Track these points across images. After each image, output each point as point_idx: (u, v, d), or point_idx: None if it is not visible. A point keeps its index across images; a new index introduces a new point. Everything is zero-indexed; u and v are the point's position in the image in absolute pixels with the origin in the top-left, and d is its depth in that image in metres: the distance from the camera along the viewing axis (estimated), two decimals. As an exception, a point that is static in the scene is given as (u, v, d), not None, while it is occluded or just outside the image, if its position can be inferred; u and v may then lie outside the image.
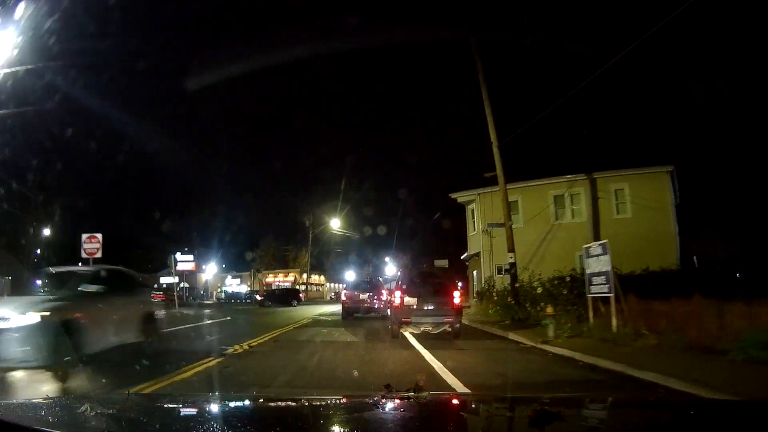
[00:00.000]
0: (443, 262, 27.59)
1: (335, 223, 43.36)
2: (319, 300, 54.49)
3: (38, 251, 31.85)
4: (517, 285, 14.77)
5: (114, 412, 2.03)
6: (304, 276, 54.41)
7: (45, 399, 2.77)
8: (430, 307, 11.73)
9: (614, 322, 10.66)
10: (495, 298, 15.49)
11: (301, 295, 40.98)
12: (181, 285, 50.14)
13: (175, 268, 21.10)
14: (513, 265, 15.18)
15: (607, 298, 10.97)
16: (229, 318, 19.33)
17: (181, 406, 2.50)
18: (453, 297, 11.87)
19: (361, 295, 20.12)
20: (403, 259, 43.36)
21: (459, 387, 6.06)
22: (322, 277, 66.58)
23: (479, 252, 24.24)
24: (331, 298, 59.13)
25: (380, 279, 27.02)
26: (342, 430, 2.06)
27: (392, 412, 2.17)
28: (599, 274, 11.12)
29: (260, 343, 10.41)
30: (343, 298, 20.74)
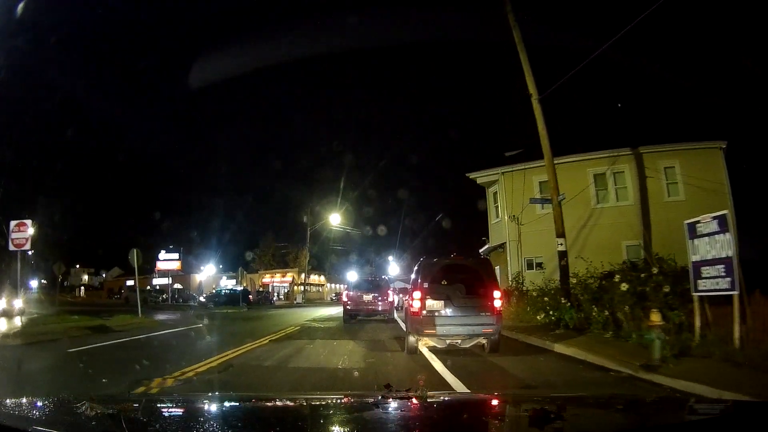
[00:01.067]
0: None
1: (335, 219, 39.94)
2: (318, 301, 51.28)
3: (30, 252, 30.35)
4: (574, 281, 10.96)
5: (114, 412, 1.95)
6: (303, 276, 50.83)
7: (44, 398, 2.41)
8: (461, 313, 8.18)
9: (736, 332, 7.18)
10: (545, 299, 11.63)
11: (250, 296, 37.31)
12: (174, 286, 47.06)
13: (137, 264, 17.37)
14: (564, 254, 11.42)
15: (723, 297, 7.44)
16: (199, 325, 15.66)
17: (181, 406, 2.45)
18: (492, 297, 8.30)
19: (364, 296, 18.22)
20: (407, 258, 39.90)
21: None
22: (322, 278, 63.25)
23: (504, 243, 20.50)
24: (331, 299, 56.06)
25: (385, 278, 24.33)
26: (342, 429, 1.98)
27: (392, 411, 2.10)
28: (714, 261, 7.51)
29: (203, 371, 6.75)
30: (345, 299, 18.90)
